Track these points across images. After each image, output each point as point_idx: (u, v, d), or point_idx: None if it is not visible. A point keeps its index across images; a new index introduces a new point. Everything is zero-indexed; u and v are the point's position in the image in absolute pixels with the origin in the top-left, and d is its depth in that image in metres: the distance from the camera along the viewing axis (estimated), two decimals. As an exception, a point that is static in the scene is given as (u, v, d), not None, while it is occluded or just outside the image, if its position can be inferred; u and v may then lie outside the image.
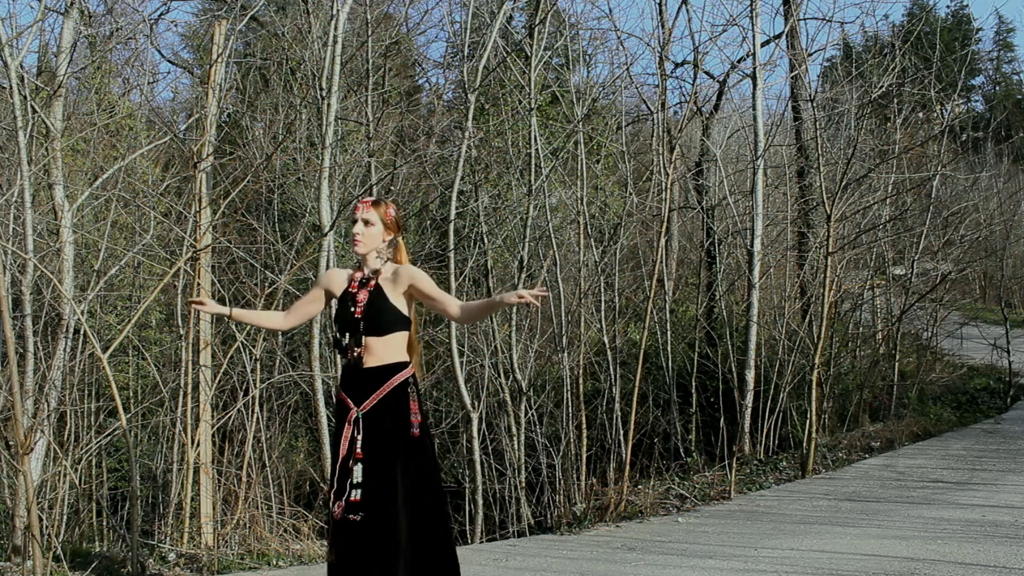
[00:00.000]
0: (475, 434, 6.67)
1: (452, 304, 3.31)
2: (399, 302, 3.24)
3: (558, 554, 5.13)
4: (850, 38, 12.71)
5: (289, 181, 8.72)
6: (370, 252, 3.29)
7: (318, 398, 6.01)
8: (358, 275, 3.30)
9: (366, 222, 3.27)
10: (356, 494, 3.06)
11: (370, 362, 3.18)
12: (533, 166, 7.40)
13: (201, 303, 3.35)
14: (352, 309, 3.21)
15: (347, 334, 3.20)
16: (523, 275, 7.31)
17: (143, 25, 7.92)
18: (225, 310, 3.36)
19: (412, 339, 3.33)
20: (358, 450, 3.10)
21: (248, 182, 7.03)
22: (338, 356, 3.31)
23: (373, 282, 3.26)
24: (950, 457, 7.98)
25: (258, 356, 5.96)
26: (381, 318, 3.20)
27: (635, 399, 6.52)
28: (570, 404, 7.34)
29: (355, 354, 3.17)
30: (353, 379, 3.20)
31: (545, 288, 3.30)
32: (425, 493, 3.15)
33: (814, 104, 9.66)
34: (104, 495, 6.98)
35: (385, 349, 3.19)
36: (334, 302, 3.42)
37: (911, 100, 11.35)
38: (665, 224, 7.59)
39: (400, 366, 3.21)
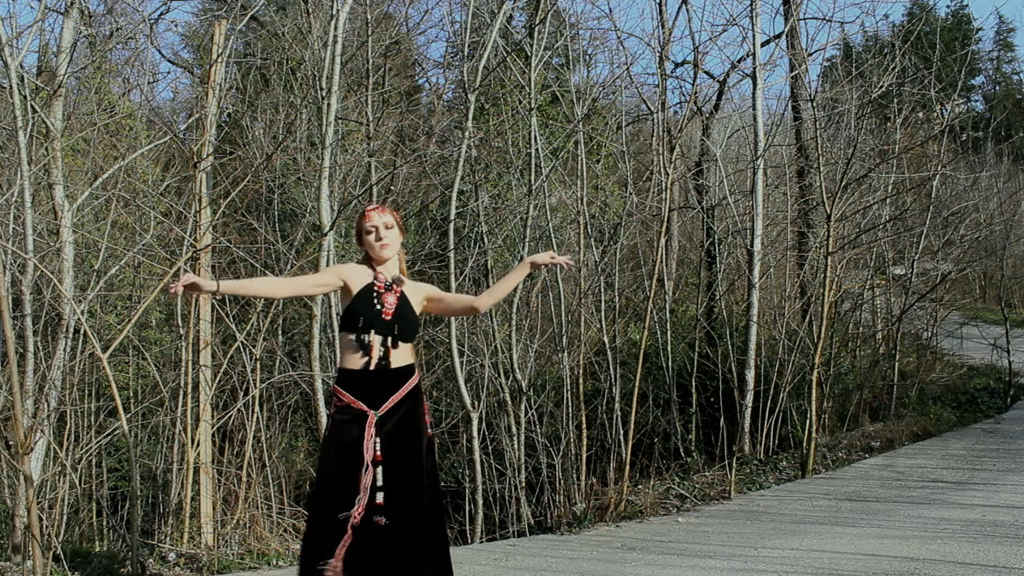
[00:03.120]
0: (475, 434, 6.67)
1: (469, 300, 3.45)
2: (417, 313, 3.32)
3: (558, 554, 5.13)
4: (850, 38, 12.71)
5: (289, 181, 8.73)
6: (394, 255, 3.32)
7: (318, 398, 6.01)
8: (382, 277, 3.28)
9: (387, 226, 3.28)
10: (380, 497, 3.05)
11: (379, 367, 3.18)
12: (533, 166, 7.40)
13: (190, 287, 3.00)
14: (379, 308, 3.19)
15: (371, 331, 3.15)
16: (523, 275, 7.30)
17: (143, 25, 7.92)
18: (212, 285, 3.07)
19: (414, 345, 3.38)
20: (378, 453, 3.08)
21: (248, 182, 7.03)
22: (359, 350, 3.16)
23: (399, 289, 3.28)
24: (950, 457, 7.98)
25: (258, 356, 5.96)
26: (409, 327, 3.24)
27: (635, 399, 6.52)
28: (570, 404, 7.34)
29: (378, 355, 3.15)
30: (366, 383, 3.14)
31: (570, 258, 3.32)
32: (435, 490, 3.25)
33: (814, 104, 9.66)
34: (104, 495, 6.99)
35: (401, 355, 3.22)
36: (329, 294, 3.42)
37: (911, 100, 11.34)
38: (665, 224, 7.59)
39: (412, 368, 3.25)
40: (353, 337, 3.17)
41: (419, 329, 3.30)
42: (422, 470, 3.16)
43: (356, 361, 3.16)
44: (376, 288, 3.23)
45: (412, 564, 3.06)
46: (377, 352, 3.14)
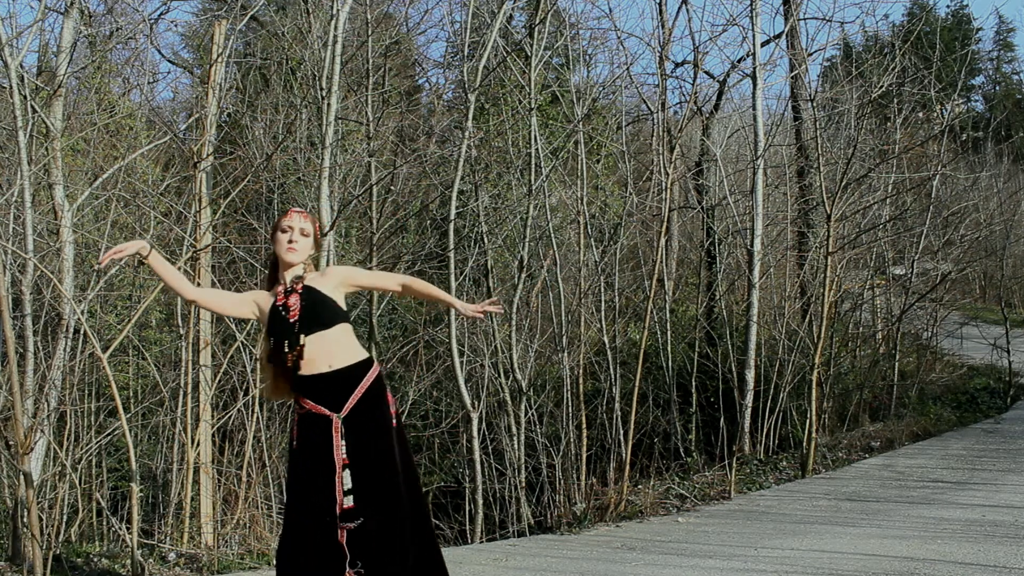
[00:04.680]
0: (475, 434, 6.67)
1: (391, 281, 3.43)
2: (334, 296, 3.21)
3: (558, 554, 5.13)
4: (850, 38, 12.71)
5: (289, 181, 8.73)
6: (299, 263, 3.26)
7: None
8: (280, 288, 3.22)
9: (303, 231, 3.24)
10: (349, 501, 3.05)
11: (336, 363, 3.12)
12: (533, 166, 7.40)
13: (119, 251, 3.09)
14: (285, 315, 3.14)
15: (284, 342, 3.11)
16: (523, 275, 7.31)
17: (143, 25, 7.91)
18: (143, 245, 3.12)
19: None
20: (344, 456, 3.06)
21: (248, 182, 7.03)
22: (283, 365, 3.15)
23: (300, 284, 3.21)
24: (950, 457, 7.98)
25: (258, 356, 5.95)
26: (324, 309, 3.15)
27: (635, 399, 6.52)
28: (570, 404, 7.34)
29: (295, 356, 3.09)
30: (323, 386, 3.11)
31: (498, 302, 3.30)
32: (413, 480, 3.22)
33: (814, 104, 9.66)
34: (104, 495, 6.98)
35: (340, 346, 3.14)
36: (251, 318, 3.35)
37: (911, 100, 11.34)
38: (665, 224, 7.59)
39: (368, 363, 3.20)
40: (272, 354, 3.16)
41: (338, 310, 3.18)
42: (395, 463, 3.13)
43: (303, 369, 3.14)
44: (278, 302, 3.19)
45: (394, 559, 3.06)
46: (291, 357, 3.09)
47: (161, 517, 6.11)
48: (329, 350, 3.11)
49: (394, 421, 3.19)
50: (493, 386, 7.28)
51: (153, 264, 3.15)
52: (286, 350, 3.10)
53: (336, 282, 3.25)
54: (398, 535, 3.08)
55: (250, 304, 3.26)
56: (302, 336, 3.09)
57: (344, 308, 3.22)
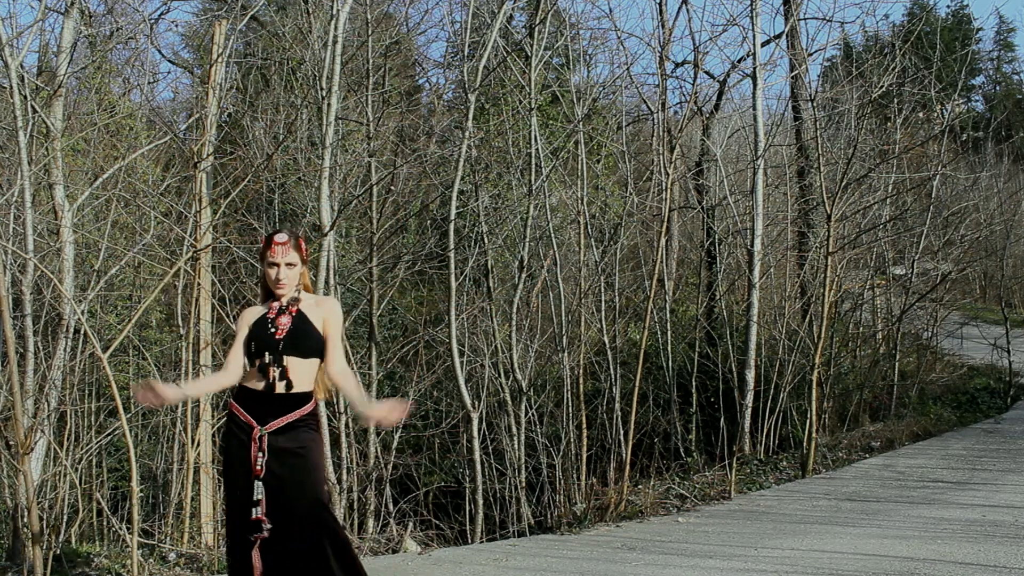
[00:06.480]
0: (475, 434, 6.67)
1: (335, 366, 3.28)
2: (322, 329, 3.26)
3: (558, 554, 5.13)
4: (850, 38, 12.72)
5: (289, 181, 8.73)
6: (291, 293, 3.30)
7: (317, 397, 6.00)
8: (275, 305, 3.27)
9: (290, 265, 3.25)
10: (258, 512, 3.07)
11: (280, 388, 3.16)
12: (533, 166, 7.40)
13: (154, 392, 3.14)
14: (272, 331, 3.18)
15: (265, 354, 3.15)
16: (523, 275, 7.31)
17: (143, 25, 7.92)
18: (180, 394, 3.24)
19: (321, 371, 3.31)
20: (259, 467, 3.09)
21: (248, 182, 7.03)
22: (258, 374, 3.20)
23: (295, 308, 3.25)
24: (950, 457, 7.98)
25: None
26: (306, 341, 3.20)
27: (635, 399, 6.52)
28: (570, 404, 7.34)
29: (274, 375, 3.13)
30: (260, 402, 3.16)
31: (409, 404, 3.27)
32: (322, 495, 3.22)
33: (814, 104, 9.66)
34: (104, 495, 6.98)
35: (301, 375, 3.18)
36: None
37: (911, 100, 11.34)
38: (665, 224, 7.59)
39: (309, 395, 3.23)
40: (253, 363, 3.20)
41: (320, 343, 3.24)
42: (313, 477, 3.16)
43: (256, 383, 3.18)
44: (268, 316, 3.24)
45: (320, 571, 3.10)
46: (273, 372, 3.14)
47: (161, 517, 6.11)
48: (294, 374, 3.17)
49: (315, 446, 3.21)
50: (493, 386, 7.28)
51: (196, 394, 3.20)
52: (267, 362, 3.15)
53: (324, 317, 3.29)
54: (319, 546, 3.11)
55: (244, 328, 3.30)
56: (284, 356, 3.15)
57: (325, 342, 3.26)
